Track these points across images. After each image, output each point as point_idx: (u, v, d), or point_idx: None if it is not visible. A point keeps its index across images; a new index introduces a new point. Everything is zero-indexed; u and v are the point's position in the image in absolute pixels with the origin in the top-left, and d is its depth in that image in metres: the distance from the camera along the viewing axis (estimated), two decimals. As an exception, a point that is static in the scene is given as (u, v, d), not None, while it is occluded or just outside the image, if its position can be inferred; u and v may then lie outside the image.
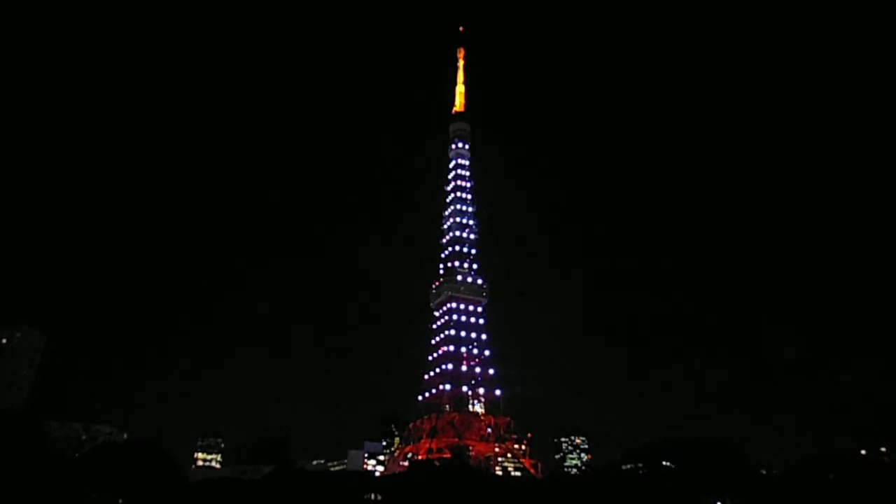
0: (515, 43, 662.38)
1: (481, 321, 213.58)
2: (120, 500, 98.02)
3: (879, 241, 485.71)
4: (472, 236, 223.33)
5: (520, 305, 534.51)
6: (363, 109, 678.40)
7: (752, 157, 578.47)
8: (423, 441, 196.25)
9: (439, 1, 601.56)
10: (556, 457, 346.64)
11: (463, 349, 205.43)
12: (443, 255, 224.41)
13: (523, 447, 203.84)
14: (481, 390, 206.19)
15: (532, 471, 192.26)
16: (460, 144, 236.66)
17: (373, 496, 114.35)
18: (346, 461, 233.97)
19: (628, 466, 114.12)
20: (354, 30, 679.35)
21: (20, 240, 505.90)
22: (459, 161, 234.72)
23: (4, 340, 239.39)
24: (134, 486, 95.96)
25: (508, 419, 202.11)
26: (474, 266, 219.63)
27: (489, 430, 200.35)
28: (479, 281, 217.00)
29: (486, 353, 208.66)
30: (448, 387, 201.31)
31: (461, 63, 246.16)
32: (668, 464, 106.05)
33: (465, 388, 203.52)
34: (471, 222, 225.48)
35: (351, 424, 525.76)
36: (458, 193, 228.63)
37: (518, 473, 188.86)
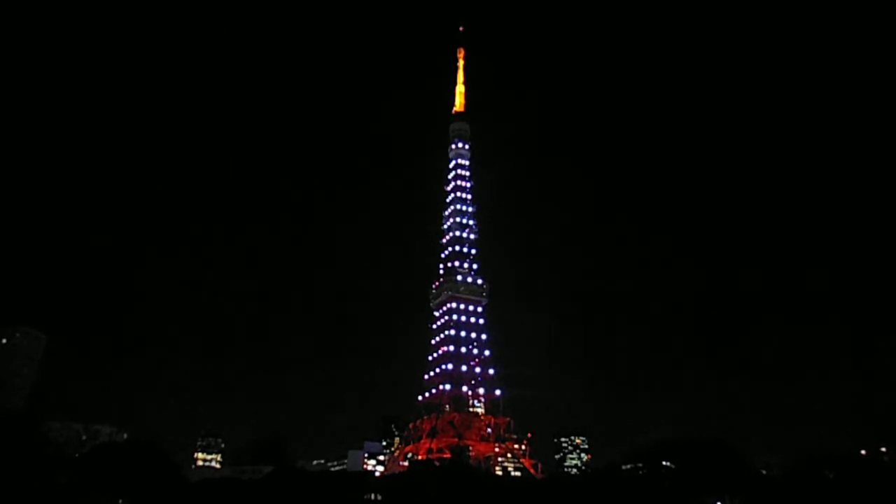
0: (515, 43, 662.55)
1: (481, 321, 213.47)
2: (120, 500, 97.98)
3: (879, 241, 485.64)
4: (472, 236, 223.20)
5: (520, 305, 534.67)
6: (361, 109, 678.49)
7: (752, 157, 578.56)
8: (423, 441, 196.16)
9: (439, 1, 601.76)
10: (556, 457, 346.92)
11: (463, 349, 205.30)
12: (443, 255, 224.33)
13: (523, 447, 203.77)
14: (481, 390, 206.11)
15: (532, 471, 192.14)
16: (460, 144, 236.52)
17: (373, 496, 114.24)
18: (346, 461, 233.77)
19: (628, 466, 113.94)
20: (354, 30, 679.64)
21: (20, 240, 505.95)
22: (459, 161, 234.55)
23: (4, 340, 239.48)
24: (134, 486, 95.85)
25: (508, 419, 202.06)
26: (474, 266, 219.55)
27: (489, 430, 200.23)
28: (479, 281, 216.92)
29: (486, 353, 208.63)
30: (448, 387, 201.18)
31: (461, 63, 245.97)
32: (668, 464, 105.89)
33: (465, 388, 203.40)
34: (471, 222, 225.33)
35: (351, 424, 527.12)
36: (458, 193, 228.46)
37: (518, 473, 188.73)
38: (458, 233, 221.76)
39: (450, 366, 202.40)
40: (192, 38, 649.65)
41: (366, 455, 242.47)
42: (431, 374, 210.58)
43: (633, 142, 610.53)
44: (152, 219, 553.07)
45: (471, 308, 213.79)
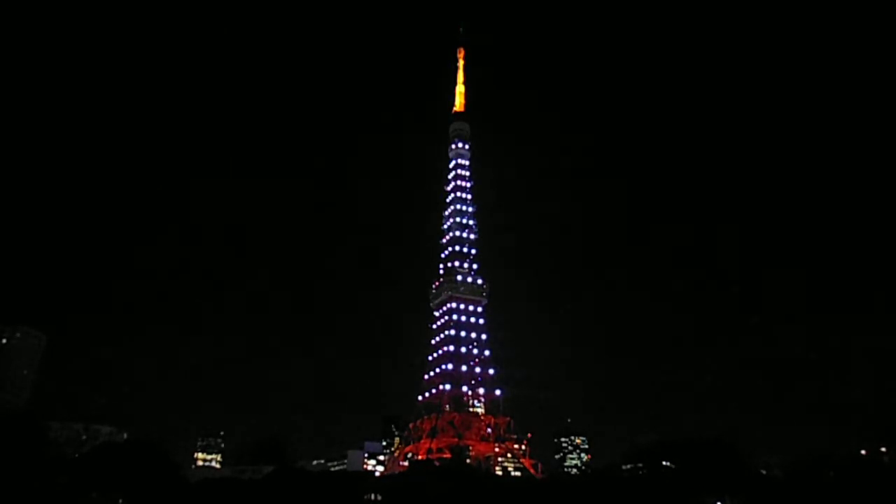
0: (515, 43, 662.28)
1: (481, 321, 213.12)
2: (120, 500, 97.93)
3: (879, 241, 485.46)
4: (472, 236, 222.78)
5: (520, 305, 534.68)
6: (361, 109, 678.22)
7: (752, 156, 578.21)
8: (423, 441, 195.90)
9: (439, 1, 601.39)
10: (556, 457, 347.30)
11: (463, 349, 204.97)
12: (443, 255, 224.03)
13: (523, 447, 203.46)
14: (481, 390, 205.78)
15: (532, 471, 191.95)
16: (460, 144, 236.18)
17: (373, 496, 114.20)
18: (346, 461, 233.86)
19: (628, 466, 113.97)
20: (354, 30, 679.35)
21: (20, 240, 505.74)
22: (459, 161, 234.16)
23: (4, 340, 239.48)
24: (134, 486, 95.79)
25: (508, 419, 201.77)
26: (474, 266, 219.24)
27: (489, 430, 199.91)
28: (479, 281, 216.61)
29: (486, 353, 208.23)
30: (448, 387, 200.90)
31: (461, 63, 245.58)
32: (668, 464, 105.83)
33: (465, 388, 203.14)
34: (471, 222, 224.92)
35: (351, 424, 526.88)
36: (458, 193, 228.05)
37: (518, 473, 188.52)
38: (458, 233, 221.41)
39: (450, 366, 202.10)
40: (194, 38, 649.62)
41: (366, 455, 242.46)
42: (431, 374, 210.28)
43: (635, 140, 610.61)
44: (152, 219, 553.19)
45: (471, 308, 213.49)
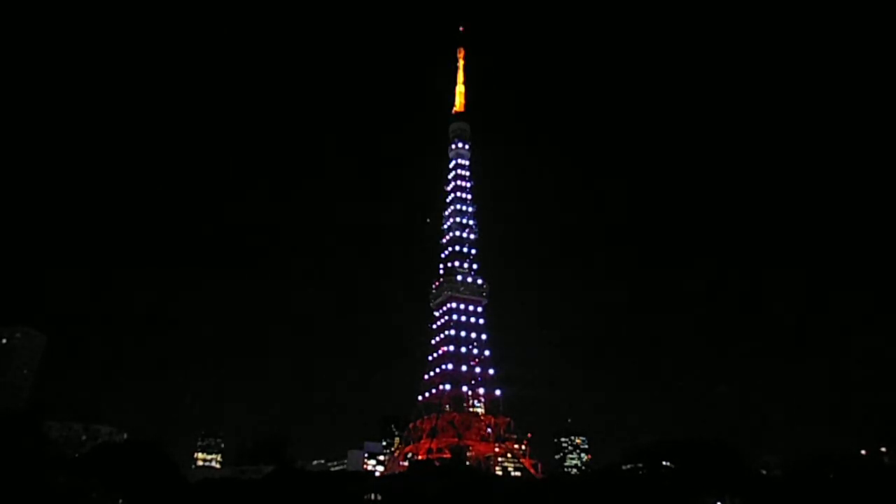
0: (515, 43, 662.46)
1: (481, 321, 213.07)
2: (120, 500, 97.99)
3: (880, 240, 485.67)
4: (472, 236, 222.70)
5: (520, 305, 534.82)
6: (361, 109, 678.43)
7: (751, 155, 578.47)
8: (423, 441, 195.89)
9: (439, 1, 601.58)
10: (556, 457, 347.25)
11: (463, 349, 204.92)
12: (443, 255, 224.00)
13: (523, 447, 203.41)
14: (481, 390, 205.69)
15: (532, 471, 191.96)
16: (460, 144, 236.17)
17: (373, 496, 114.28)
18: (346, 461, 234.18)
19: (628, 466, 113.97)
20: (354, 30, 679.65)
21: (21, 240, 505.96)
22: (459, 161, 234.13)
23: (4, 340, 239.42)
24: (134, 486, 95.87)
25: (508, 419, 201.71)
26: (474, 266, 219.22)
27: (489, 430, 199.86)
28: (479, 281, 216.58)
29: (486, 353, 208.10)
30: (448, 387, 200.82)
31: (461, 63, 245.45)
32: (668, 464, 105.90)
33: (465, 388, 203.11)
34: (471, 222, 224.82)
35: (351, 424, 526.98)
36: (458, 193, 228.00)
37: (518, 473, 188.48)
38: (458, 233, 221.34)
39: (450, 366, 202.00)
40: (191, 37, 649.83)
41: (366, 455, 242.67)
42: (431, 374, 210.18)
43: (635, 141, 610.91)
44: (151, 218, 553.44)
45: (471, 308, 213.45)
